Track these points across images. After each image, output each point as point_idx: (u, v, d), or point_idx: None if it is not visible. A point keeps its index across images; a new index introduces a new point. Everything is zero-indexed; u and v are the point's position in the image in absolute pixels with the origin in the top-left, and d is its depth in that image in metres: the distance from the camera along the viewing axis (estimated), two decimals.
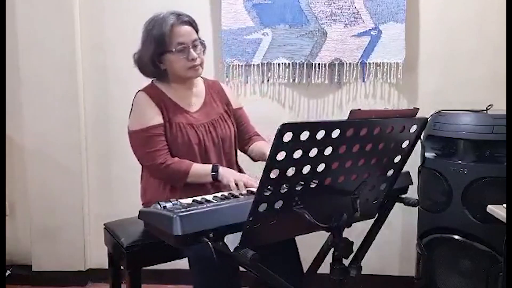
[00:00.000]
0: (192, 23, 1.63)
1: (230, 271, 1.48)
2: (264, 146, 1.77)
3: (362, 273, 1.30)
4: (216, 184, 1.61)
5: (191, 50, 1.60)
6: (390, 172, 1.26)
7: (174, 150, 1.62)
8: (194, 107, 1.70)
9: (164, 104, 1.64)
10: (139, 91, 1.68)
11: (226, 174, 1.56)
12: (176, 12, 1.61)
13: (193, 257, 1.55)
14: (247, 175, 1.63)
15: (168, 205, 1.19)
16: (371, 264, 2.24)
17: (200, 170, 1.59)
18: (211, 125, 1.68)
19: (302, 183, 1.05)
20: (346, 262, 1.22)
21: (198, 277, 1.54)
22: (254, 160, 1.83)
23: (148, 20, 1.64)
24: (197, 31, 1.65)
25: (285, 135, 0.91)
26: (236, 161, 1.81)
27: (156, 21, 1.60)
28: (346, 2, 2.30)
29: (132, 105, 1.69)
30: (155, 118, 1.60)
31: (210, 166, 1.59)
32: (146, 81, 2.44)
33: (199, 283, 1.54)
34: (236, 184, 1.50)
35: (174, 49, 1.58)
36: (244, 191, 1.46)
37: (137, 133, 1.61)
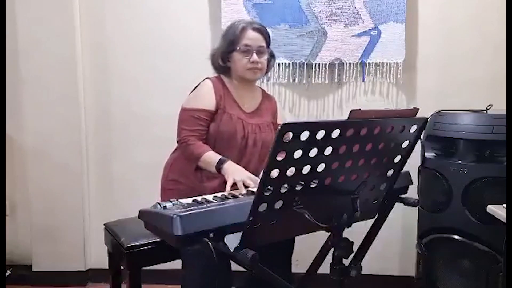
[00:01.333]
0: (263, 33, 1.75)
1: (222, 270, 1.48)
2: None
3: (362, 273, 1.30)
4: None
5: (254, 53, 1.71)
6: (390, 172, 1.27)
7: (218, 135, 1.70)
8: (248, 108, 1.79)
9: (224, 95, 1.74)
10: (206, 78, 1.78)
11: (229, 170, 1.58)
12: (252, 21, 1.80)
13: (187, 256, 1.56)
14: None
15: (168, 205, 1.20)
16: (371, 264, 2.24)
17: (210, 158, 1.64)
18: (258, 128, 1.76)
19: (302, 183, 1.05)
20: (346, 262, 1.23)
21: (190, 276, 1.55)
22: None
23: (230, 24, 1.82)
24: (267, 42, 1.77)
25: (285, 135, 0.91)
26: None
27: (233, 24, 1.77)
28: (346, 2, 2.30)
29: (195, 87, 1.78)
30: (207, 104, 1.70)
31: (219, 157, 1.63)
32: (148, 81, 2.46)
33: (191, 281, 1.55)
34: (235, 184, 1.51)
35: (239, 48, 1.71)
36: (244, 191, 1.46)
37: (184, 111, 1.72)
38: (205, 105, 1.70)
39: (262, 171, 0.97)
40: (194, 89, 1.78)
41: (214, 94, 1.71)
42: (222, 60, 1.75)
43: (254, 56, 1.71)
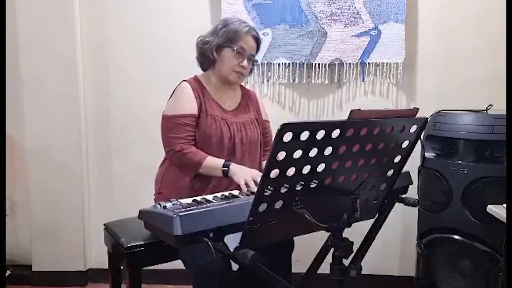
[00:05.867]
0: (258, 43, 1.77)
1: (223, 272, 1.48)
2: None
3: (362, 273, 1.30)
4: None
5: (246, 59, 1.72)
6: (390, 172, 1.26)
7: (205, 140, 1.68)
8: (229, 106, 1.78)
9: (204, 97, 1.72)
10: (183, 80, 1.76)
11: (238, 171, 1.58)
12: (253, 27, 1.77)
13: (187, 258, 1.56)
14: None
15: (168, 205, 1.19)
16: (371, 264, 2.24)
17: (212, 163, 1.63)
18: (242, 126, 1.75)
19: (302, 183, 1.05)
20: (346, 262, 1.23)
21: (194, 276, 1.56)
22: None
23: (228, 18, 1.82)
24: (257, 51, 1.79)
25: (285, 135, 0.91)
26: (260, 166, 1.82)
27: (237, 21, 1.75)
28: (346, 2, 2.30)
29: (173, 91, 1.76)
30: (190, 108, 1.68)
31: (223, 161, 1.62)
32: (148, 81, 2.46)
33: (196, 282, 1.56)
34: (247, 184, 1.51)
35: (235, 48, 1.69)
36: (255, 189, 1.46)
37: (168, 118, 1.68)
38: (188, 109, 1.67)
39: (263, 171, 0.97)
40: (172, 94, 1.75)
41: (195, 97, 1.69)
42: (215, 51, 1.72)
43: (245, 62, 1.71)
